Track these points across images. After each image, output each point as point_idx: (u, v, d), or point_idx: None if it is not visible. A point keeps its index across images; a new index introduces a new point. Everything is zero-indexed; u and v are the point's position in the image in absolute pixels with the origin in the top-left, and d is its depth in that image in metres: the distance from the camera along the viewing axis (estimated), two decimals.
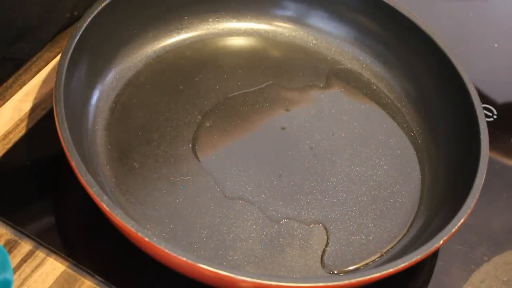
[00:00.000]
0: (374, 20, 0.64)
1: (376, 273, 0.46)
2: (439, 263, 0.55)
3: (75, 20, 0.63)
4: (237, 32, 0.66)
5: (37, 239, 0.51)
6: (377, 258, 0.53)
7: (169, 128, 0.58)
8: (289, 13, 0.66)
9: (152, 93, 0.60)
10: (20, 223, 0.52)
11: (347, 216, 0.55)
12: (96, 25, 0.56)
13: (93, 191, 0.46)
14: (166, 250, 0.44)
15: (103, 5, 0.56)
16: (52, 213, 0.53)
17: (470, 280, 0.54)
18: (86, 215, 0.53)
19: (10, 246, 0.51)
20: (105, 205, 0.46)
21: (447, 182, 0.56)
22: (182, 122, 0.58)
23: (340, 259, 0.53)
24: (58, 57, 0.60)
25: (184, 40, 0.64)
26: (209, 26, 0.65)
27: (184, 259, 0.44)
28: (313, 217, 0.54)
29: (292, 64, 0.64)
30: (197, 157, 0.56)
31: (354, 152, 0.59)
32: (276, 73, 0.63)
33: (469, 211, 0.50)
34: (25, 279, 0.49)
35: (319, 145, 0.59)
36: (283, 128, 0.60)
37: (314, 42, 0.66)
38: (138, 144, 0.56)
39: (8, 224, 0.52)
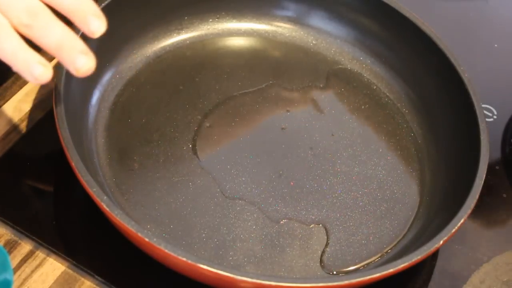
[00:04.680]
0: (375, 20, 0.64)
1: (376, 273, 0.46)
2: (439, 263, 0.55)
3: None
4: (237, 32, 0.66)
5: (37, 239, 0.51)
6: (377, 258, 0.53)
7: (169, 128, 0.58)
8: (289, 13, 0.66)
9: (152, 93, 0.60)
10: (20, 223, 0.51)
11: (347, 216, 0.55)
12: None
13: (93, 191, 0.46)
14: (166, 250, 0.44)
15: (103, 5, 0.56)
16: (52, 213, 0.53)
17: (470, 280, 0.54)
18: (86, 215, 0.53)
19: (10, 246, 0.51)
20: (105, 205, 0.45)
21: (447, 182, 0.56)
22: (182, 122, 0.58)
23: (340, 260, 0.53)
24: None
25: (184, 40, 0.64)
26: (209, 26, 0.65)
27: (184, 259, 0.44)
28: (313, 217, 0.54)
29: (292, 64, 0.64)
30: (197, 157, 0.56)
31: (354, 152, 0.59)
32: (276, 73, 0.63)
33: (469, 211, 0.50)
34: (25, 279, 0.49)
35: (319, 145, 0.59)
36: (283, 128, 0.60)
37: (314, 42, 0.66)
38: (138, 144, 0.56)
39: (8, 224, 0.52)
